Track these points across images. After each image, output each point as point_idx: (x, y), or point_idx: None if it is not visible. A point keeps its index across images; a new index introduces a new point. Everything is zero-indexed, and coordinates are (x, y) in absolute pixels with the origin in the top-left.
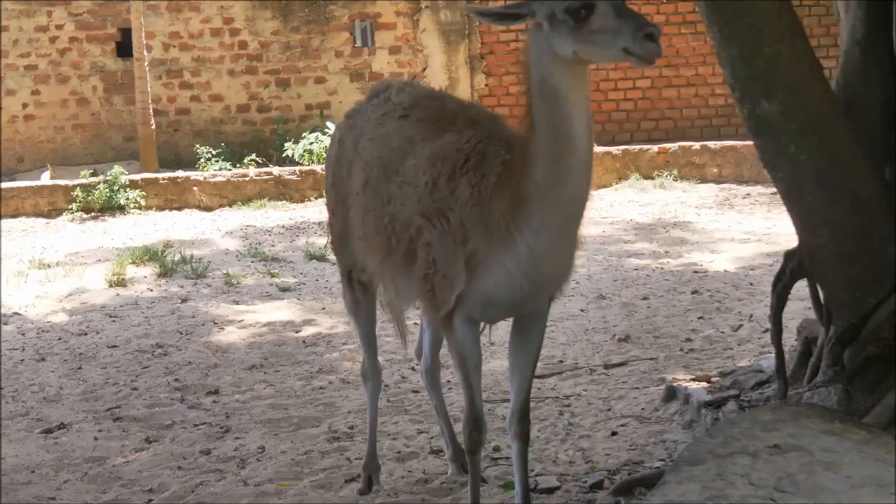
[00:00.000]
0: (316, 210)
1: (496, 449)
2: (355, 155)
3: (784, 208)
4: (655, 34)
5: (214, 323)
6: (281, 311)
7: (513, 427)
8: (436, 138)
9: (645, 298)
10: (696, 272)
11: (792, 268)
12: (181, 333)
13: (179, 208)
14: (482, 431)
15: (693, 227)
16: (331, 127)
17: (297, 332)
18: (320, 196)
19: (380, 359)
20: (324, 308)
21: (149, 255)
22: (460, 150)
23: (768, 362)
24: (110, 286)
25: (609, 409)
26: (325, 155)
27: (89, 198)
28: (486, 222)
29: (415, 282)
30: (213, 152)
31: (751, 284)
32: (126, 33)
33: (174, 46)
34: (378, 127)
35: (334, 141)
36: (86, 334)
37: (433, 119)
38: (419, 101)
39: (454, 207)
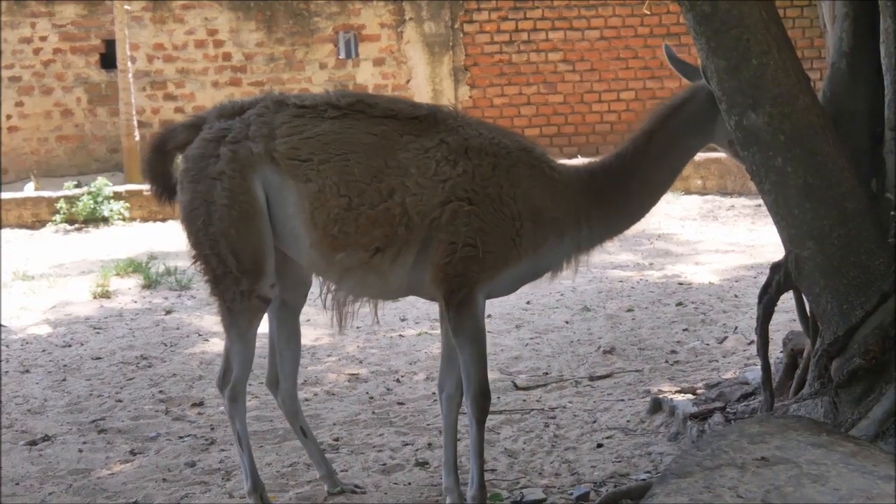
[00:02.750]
0: None
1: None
2: (266, 161)
3: (768, 220)
4: None
5: (199, 335)
6: (264, 323)
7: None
8: (430, 134)
9: (630, 310)
10: (680, 284)
11: (778, 280)
12: (166, 345)
13: (164, 220)
14: (490, 399)
15: (677, 239)
16: None
17: None
18: None
19: (364, 371)
20: (308, 320)
21: (133, 266)
22: (497, 145)
23: (754, 374)
24: (94, 298)
25: (594, 421)
26: None
27: (73, 209)
28: (556, 215)
29: (432, 265)
30: None
31: (735, 296)
32: (110, 45)
33: (158, 58)
34: (309, 127)
35: (223, 161)
36: (70, 346)
37: (405, 115)
38: (362, 99)
39: (514, 195)
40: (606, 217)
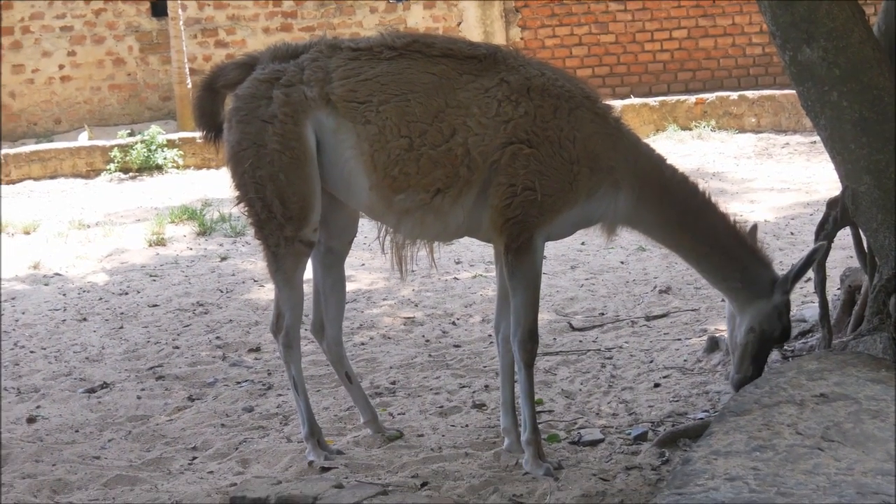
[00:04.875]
0: None
1: (539, 402)
2: (321, 105)
3: (824, 157)
4: None
5: (254, 280)
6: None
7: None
8: (490, 73)
9: None
10: (735, 223)
11: (835, 216)
12: (221, 291)
13: (217, 167)
14: (537, 343)
15: (732, 178)
16: None
17: None
18: None
19: (420, 314)
20: (363, 264)
21: (187, 214)
22: (561, 87)
23: (811, 312)
24: (150, 246)
25: (651, 361)
26: None
27: (127, 158)
28: (612, 164)
29: (491, 209)
30: None
31: (791, 234)
32: None
33: (209, 5)
34: (365, 69)
35: (276, 104)
36: (126, 294)
37: (463, 54)
38: (418, 39)
39: (573, 139)
40: (650, 204)
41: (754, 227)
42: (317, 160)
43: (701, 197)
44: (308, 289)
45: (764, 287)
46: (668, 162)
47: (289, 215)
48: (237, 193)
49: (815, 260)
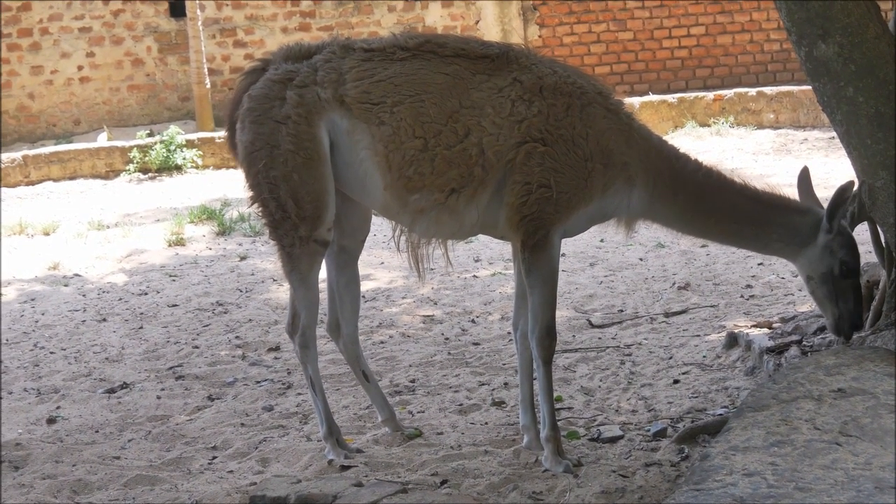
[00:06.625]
0: None
1: (558, 399)
2: (334, 106)
3: (842, 152)
4: None
5: (273, 280)
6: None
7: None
8: (503, 73)
9: (704, 246)
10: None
11: (852, 211)
12: (241, 291)
13: (236, 167)
14: (555, 339)
15: (750, 174)
16: None
17: None
18: None
19: (439, 312)
20: (382, 263)
21: (207, 214)
22: (573, 84)
23: None
24: (169, 246)
25: (670, 358)
26: None
27: (146, 158)
28: (626, 160)
29: (507, 207)
30: None
31: None
32: None
33: (227, 5)
34: (379, 70)
35: (290, 105)
36: (146, 294)
37: (475, 54)
38: (430, 40)
39: (587, 135)
40: (666, 196)
41: (805, 172)
42: (330, 160)
43: (715, 178)
44: (323, 288)
45: (806, 234)
46: (681, 152)
47: (303, 215)
48: (251, 194)
49: (847, 197)
